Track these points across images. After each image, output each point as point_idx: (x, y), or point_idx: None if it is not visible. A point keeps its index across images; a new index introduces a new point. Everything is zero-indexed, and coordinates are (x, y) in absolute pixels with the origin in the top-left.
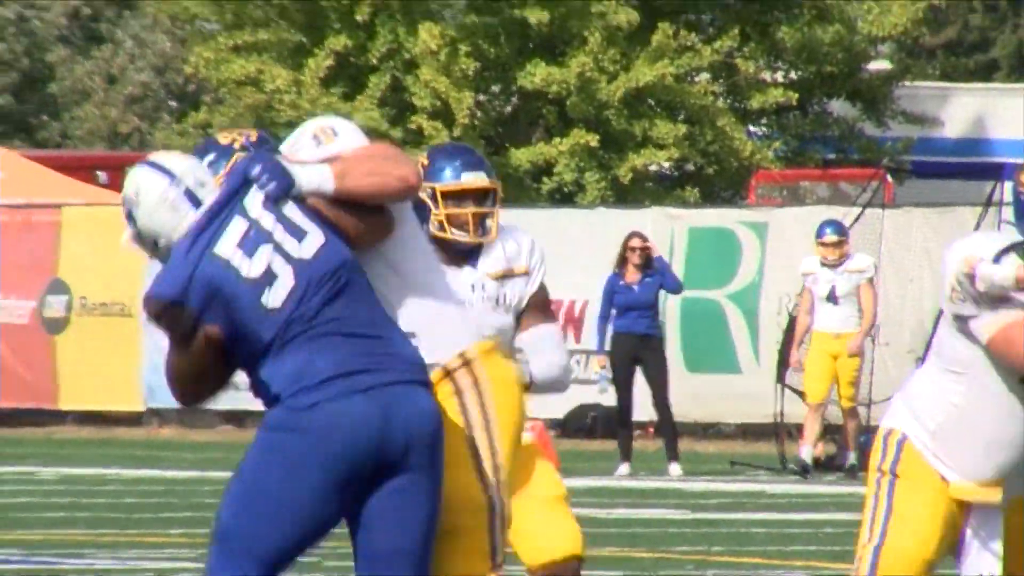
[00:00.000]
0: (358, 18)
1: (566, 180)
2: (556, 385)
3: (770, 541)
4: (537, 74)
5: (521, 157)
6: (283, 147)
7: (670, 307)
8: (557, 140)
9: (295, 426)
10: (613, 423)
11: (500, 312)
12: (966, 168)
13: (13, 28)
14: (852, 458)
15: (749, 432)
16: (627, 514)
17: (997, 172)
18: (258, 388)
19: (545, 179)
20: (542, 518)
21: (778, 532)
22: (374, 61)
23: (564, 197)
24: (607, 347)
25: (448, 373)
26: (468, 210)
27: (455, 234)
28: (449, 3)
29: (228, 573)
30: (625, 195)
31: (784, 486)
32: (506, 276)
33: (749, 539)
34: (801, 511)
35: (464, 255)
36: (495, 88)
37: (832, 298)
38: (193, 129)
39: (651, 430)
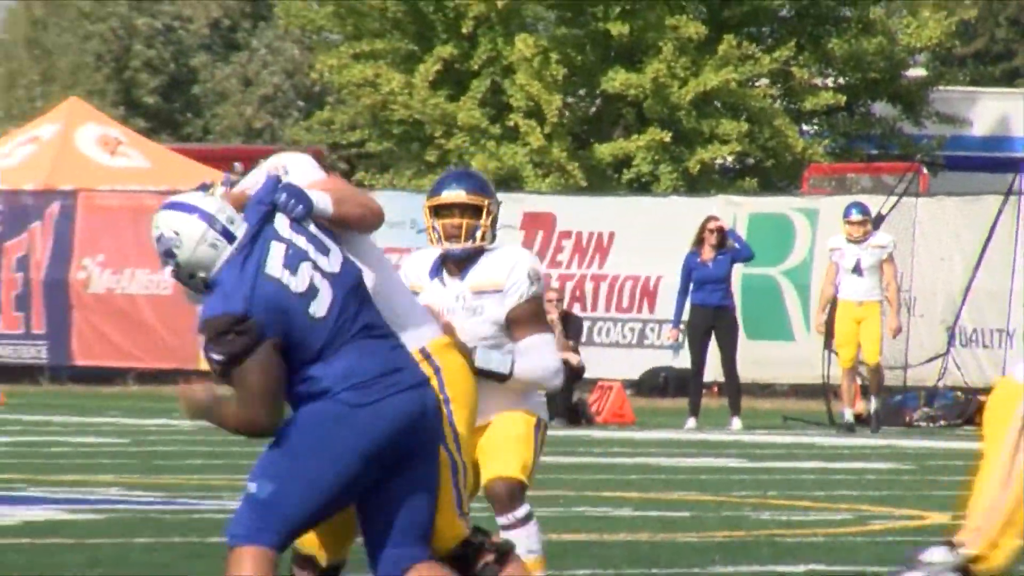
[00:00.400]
0: (463, 30)
1: (643, 171)
2: (538, 384)
3: (818, 487)
4: (618, 79)
5: (604, 151)
6: (242, 184)
7: (733, 282)
8: (635, 137)
9: (345, 419)
10: (682, 383)
11: (477, 322)
12: (991, 162)
13: (162, 37)
14: (875, 403)
15: (800, 392)
16: (694, 463)
17: (1017, 165)
18: (302, 384)
19: (624, 171)
20: (494, 450)
21: (825, 479)
22: (476, 67)
23: (641, 186)
24: (684, 318)
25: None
26: (442, 221)
27: (442, 244)
28: (542, 17)
29: (255, 539)
30: (694, 185)
31: (831, 439)
32: (482, 291)
33: (800, 485)
34: (846, 460)
35: (458, 267)
36: (581, 91)
37: (857, 270)
38: (318, 126)
39: (715, 390)
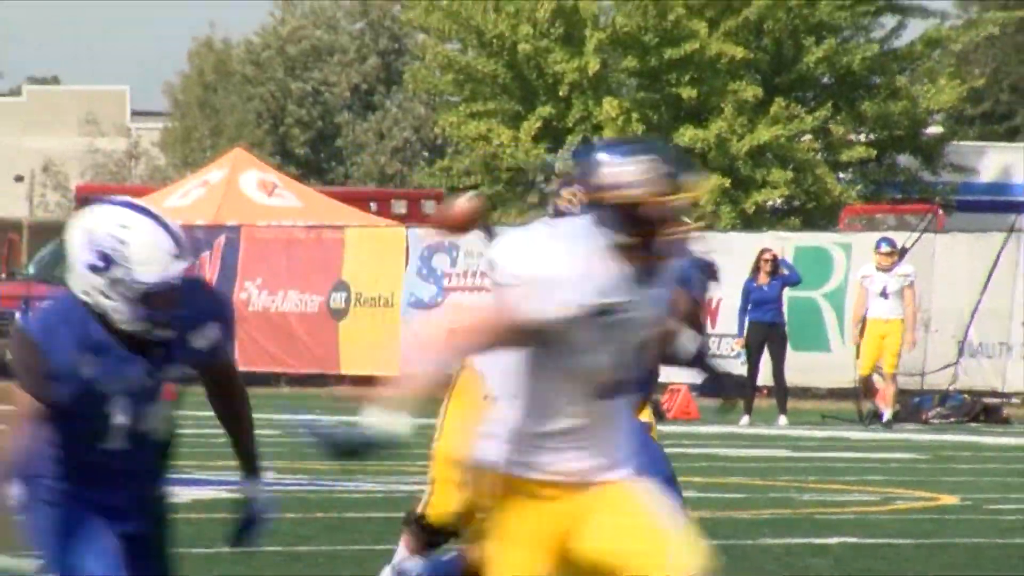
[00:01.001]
0: (560, 93)
1: (706, 211)
2: None
3: (851, 473)
4: (687, 134)
5: None
6: None
7: (783, 302)
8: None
9: None
10: (739, 386)
11: None
12: (995, 205)
13: (311, 99)
14: (889, 414)
15: (836, 394)
16: (747, 453)
17: (1018, 207)
18: None
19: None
20: None
21: (857, 466)
22: (570, 124)
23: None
24: (744, 332)
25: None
26: None
27: None
28: (625, 83)
29: None
30: (749, 222)
31: (861, 433)
32: None
33: (835, 471)
34: (873, 451)
35: None
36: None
37: (884, 294)
38: (439, 172)
39: (765, 392)
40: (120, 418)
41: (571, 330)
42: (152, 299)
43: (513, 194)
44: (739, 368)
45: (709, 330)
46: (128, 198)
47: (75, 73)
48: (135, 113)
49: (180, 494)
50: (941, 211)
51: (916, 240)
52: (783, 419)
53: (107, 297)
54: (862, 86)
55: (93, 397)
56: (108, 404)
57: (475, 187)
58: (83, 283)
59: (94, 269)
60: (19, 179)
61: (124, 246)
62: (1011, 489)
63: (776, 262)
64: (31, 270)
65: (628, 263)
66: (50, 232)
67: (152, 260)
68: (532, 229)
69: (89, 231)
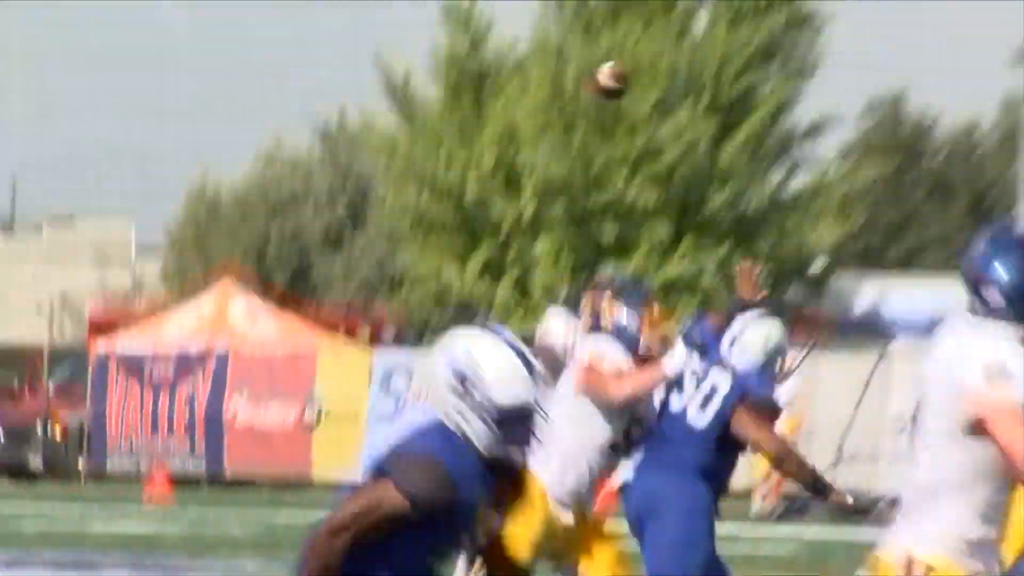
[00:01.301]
0: (500, 237)
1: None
2: None
3: (741, 564)
4: (609, 269)
5: None
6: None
7: None
8: None
9: None
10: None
11: None
12: (869, 329)
13: (289, 240)
14: (778, 509)
15: (733, 493)
16: None
17: (887, 334)
18: None
19: None
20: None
21: (747, 556)
22: (509, 260)
23: None
24: None
25: None
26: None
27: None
28: (554, 226)
29: None
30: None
31: (752, 527)
32: None
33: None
34: (761, 545)
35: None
36: (584, 276)
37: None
38: (397, 304)
39: None
40: (469, 535)
41: None
42: (507, 423)
43: (460, 322)
44: None
45: None
46: (487, 324)
47: (86, 206)
48: (139, 248)
49: None
50: (825, 335)
51: (802, 359)
52: None
53: (469, 421)
54: (757, 229)
55: (465, 518)
56: (471, 523)
57: (459, 305)
58: (448, 407)
59: (454, 391)
60: (40, 311)
61: (480, 368)
62: None
63: None
64: (50, 389)
65: None
66: (66, 356)
67: (507, 382)
68: (978, 335)
69: (449, 355)
